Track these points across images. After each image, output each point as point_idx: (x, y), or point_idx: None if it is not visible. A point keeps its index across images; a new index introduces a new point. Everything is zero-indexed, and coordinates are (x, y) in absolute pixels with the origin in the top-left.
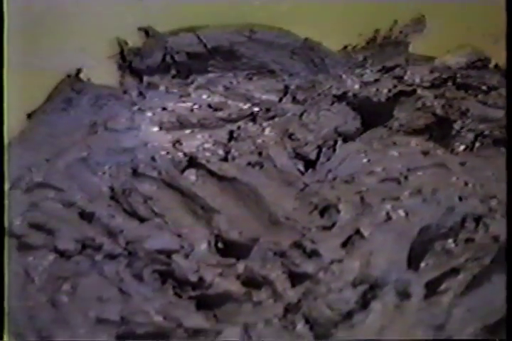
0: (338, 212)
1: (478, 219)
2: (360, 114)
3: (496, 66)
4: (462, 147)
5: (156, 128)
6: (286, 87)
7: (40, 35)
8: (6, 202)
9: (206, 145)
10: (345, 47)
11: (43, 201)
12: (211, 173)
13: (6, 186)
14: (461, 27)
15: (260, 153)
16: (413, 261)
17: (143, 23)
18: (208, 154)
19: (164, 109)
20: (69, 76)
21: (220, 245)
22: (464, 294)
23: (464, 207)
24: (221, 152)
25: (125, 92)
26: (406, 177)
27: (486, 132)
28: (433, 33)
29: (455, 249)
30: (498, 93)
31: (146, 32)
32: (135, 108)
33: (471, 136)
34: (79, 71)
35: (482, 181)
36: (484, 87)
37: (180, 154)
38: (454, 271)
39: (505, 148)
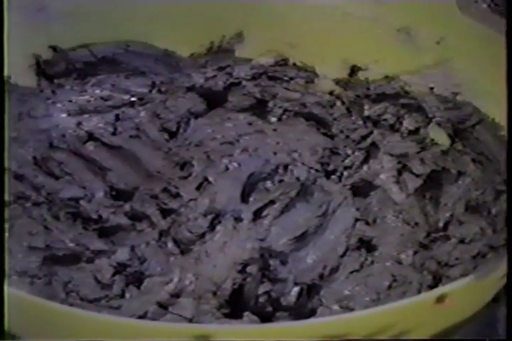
0: (193, 166)
1: (286, 167)
2: (205, 99)
3: (294, 64)
4: (274, 119)
5: (64, 115)
6: (154, 83)
7: None
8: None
9: (100, 125)
10: (192, 54)
11: None
12: (104, 144)
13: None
14: (268, 38)
15: (138, 129)
16: (244, 197)
17: (52, 43)
18: (101, 131)
19: (70, 101)
20: None
21: (112, 193)
22: (278, 217)
23: (276, 159)
24: (111, 129)
25: (41, 91)
26: (237, 141)
27: (289, 108)
28: (250, 43)
29: (272, 187)
30: (296, 82)
31: (54, 49)
32: (49, 101)
33: (280, 111)
34: (9, 77)
35: (287, 141)
36: (286, 78)
37: (82, 132)
38: (272, 202)
39: (506, 148)
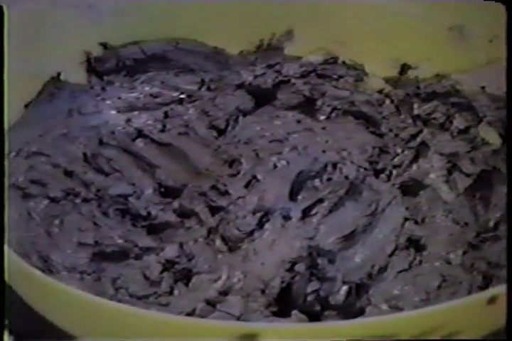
0: (241, 164)
1: (335, 165)
2: (254, 97)
3: (343, 62)
4: (323, 117)
5: (114, 111)
6: (203, 80)
7: (34, 51)
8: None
9: (149, 122)
10: (242, 51)
11: (37, 164)
12: (153, 141)
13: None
14: (317, 36)
15: (187, 126)
16: (293, 195)
17: (102, 40)
18: (150, 128)
19: (119, 98)
20: (52, 78)
21: (161, 189)
22: (327, 216)
23: (325, 157)
24: (160, 126)
25: (91, 88)
26: (286, 139)
27: (338, 106)
28: (299, 41)
29: (320, 185)
30: (345, 80)
31: (105, 46)
32: (99, 98)
33: (328, 109)
34: (59, 74)
35: (336, 139)
36: (335, 76)
37: (132, 128)
38: (320, 200)
39: (506, 147)
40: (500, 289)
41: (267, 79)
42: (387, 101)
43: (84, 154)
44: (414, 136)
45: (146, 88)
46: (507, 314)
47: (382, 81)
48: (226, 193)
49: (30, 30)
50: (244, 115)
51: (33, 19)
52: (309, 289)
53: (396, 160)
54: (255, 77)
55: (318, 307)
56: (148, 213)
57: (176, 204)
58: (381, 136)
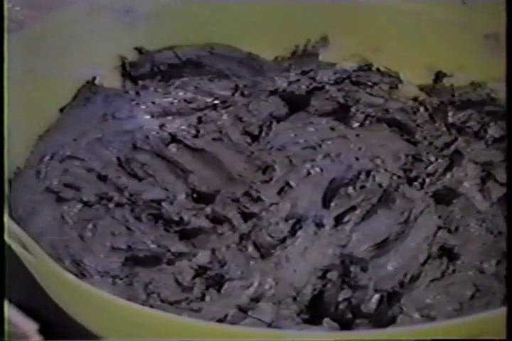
0: (274, 170)
1: (368, 173)
2: (287, 103)
3: (378, 69)
4: (357, 124)
5: (148, 116)
6: (237, 86)
7: (70, 55)
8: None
9: (183, 127)
10: (276, 57)
11: (72, 168)
12: (187, 146)
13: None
14: (352, 42)
15: (220, 132)
16: (326, 202)
17: (137, 45)
18: (184, 133)
19: (153, 103)
20: (88, 82)
21: (194, 195)
22: (359, 223)
23: (358, 165)
24: (193, 131)
25: (126, 92)
26: (320, 146)
27: (372, 113)
28: (334, 47)
29: (353, 193)
30: (379, 87)
31: (140, 50)
32: (133, 103)
33: (362, 116)
34: (94, 78)
35: (370, 146)
36: (369, 83)
37: (165, 133)
38: (353, 208)
39: (506, 148)
40: None
41: (301, 85)
42: (422, 109)
43: (118, 158)
44: (448, 145)
45: (180, 93)
46: (507, 313)
47: (417, 88)
48: (259, 199)
49: (67, 34)
50: (278, 121)
51: (70, 24)
52: (341, 297)
53: (430, 169)
54: (289, 83)
55: (349, 315)
56: (181, 218)
57: (208, 210)
58: (415, 144)
